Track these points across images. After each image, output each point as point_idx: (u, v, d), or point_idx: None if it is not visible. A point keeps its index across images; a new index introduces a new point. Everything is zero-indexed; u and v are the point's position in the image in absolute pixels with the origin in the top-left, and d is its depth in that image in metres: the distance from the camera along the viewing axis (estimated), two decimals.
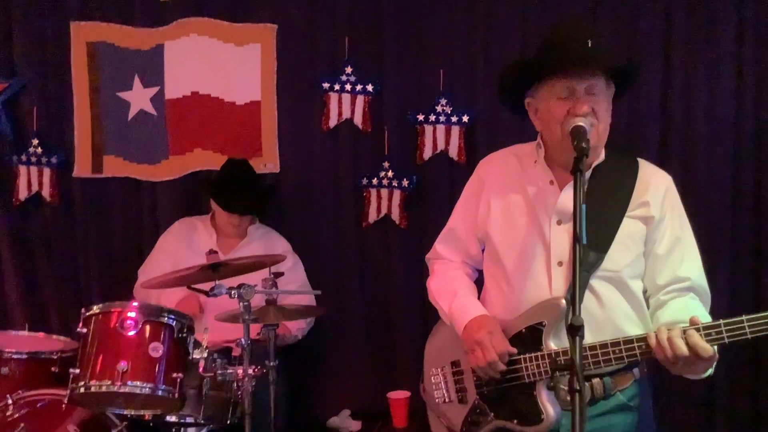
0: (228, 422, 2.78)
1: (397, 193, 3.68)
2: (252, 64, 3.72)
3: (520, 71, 2.04)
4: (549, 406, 1.89)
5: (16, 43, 3.69)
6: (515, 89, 2.06)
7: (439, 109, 3.65)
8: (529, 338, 1.94)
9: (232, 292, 2.55)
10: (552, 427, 1.88)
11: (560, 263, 1.95)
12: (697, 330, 1.76)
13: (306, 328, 3.39)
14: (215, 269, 2.57)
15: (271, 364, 2.87)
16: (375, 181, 3.69)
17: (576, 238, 1.59)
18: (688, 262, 1.99)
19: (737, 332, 1.73)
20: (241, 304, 2.58)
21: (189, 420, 2.76)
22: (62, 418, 2.61)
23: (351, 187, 3.71)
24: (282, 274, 2.91)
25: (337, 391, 3.65)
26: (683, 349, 1.74)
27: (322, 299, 3.52)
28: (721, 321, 1.76)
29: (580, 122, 1.85)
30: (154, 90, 3.73)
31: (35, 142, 3.71)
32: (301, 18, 3.69)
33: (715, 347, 1.77)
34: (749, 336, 1.73)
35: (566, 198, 1.99)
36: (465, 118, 3.63)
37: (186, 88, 3.73)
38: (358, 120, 3.68)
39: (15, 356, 2.83)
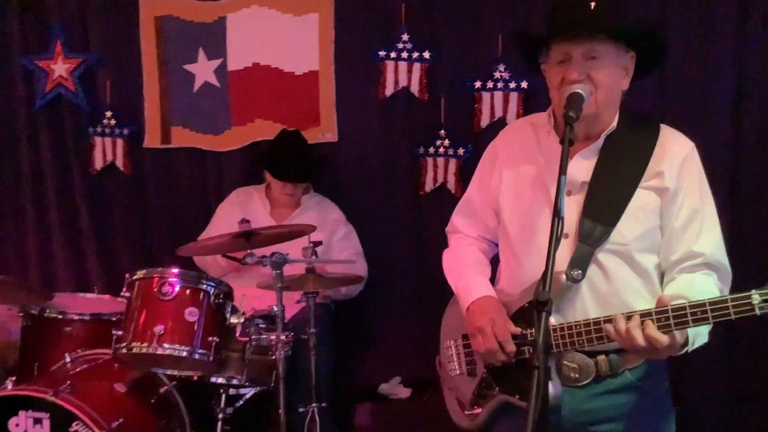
0: (272, 385, 2.86)
1: (453, 162, 3.64)
2: (310, 34, 3.75)
3: (524, 39, 1.96)
4: (549, 384, 1.83)
5: (90, 19, 3.86)
6: (529, 56, 1.98)
7: (497, 75, 3.57)
8: (530, 313, 1.87)
9: (264, 260, 2.61)
10: (551, 404, 1.82)
11: (566, 235, 1.87)
12: (650, 315, 1.66)
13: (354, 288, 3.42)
14: (248, 238, 2.63)
15: (311, 330, 2.93)
16: (431, 149, 3.66)
17: (555, 211, 1.52)
18: (705, 237, 1.86)
19: (681, 319, 1.64)
20: (273, 272, 2.64)
21: (234, 382, 2.87)
22: (113, 376, 2.75)
23: (407, 156, 3.70)
24: (320, 243, 2.94)
25: (389, 359, 3.67)
26: (640, 341, 1.66)
27: (373, 267, 3.57)
28: (669, 307, 1.65)
29: (578, 89, 1.75)
30: (218, 62, 3.83)
31: (109, 114, 3.90)
32: None
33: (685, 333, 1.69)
34: (692, 325, 1.63)
35: (575, 168, 1.89)
36: (524, 84, 3.53)
37: (247, 59, 3.80)
38: (414, 88, 3.65)
39: (78, 317, 3.01)
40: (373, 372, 3.69)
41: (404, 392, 3.51)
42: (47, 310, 2.99)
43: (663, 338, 1.64)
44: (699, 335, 1.75)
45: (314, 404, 2.95)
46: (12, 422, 2.48)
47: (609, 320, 1.75)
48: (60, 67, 3.85)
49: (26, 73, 3.90)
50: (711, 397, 3.38)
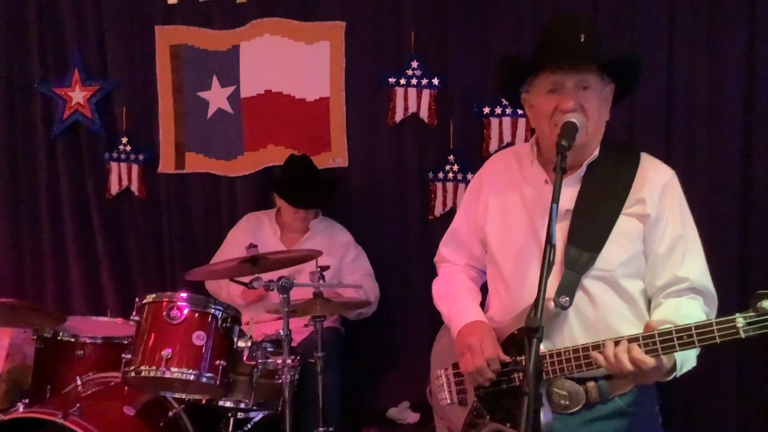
0: (279, 409, 2.88)
1: (462, 187, 3.66)
2: (321, 62, 3.81)
3: (514, 66, 1.99)
4: (540, 411, 1.84)
5: (107, 47, 3.96)
6: (510, 84, 2.02)
7: (505, 101, 3.59)
8: (521, 340, 1.88)
9: (271, 284, 2.64)
10: (543, 431, 1.82)
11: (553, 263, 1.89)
12: (637, 340, 1.67)
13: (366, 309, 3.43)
14: (254, 262, 2.67)
15: (318, 355, 2.95)
16: (441, 174, 3.70)
17: (548, 239, 1.54)
18: (689, 262, 1.88)
19: (668, 344, 1.65)
20: (280, 296, 2.67)
21: (242, 405, 2.89)
22: (122, 399, 2.77)
23: (417, 181, 3.74)
24: (328, 267, 2.97)
25: (397, 383, 3.68)
26: (627, 365, 1.67)
27: (384, 292, 3.59)
28: (656, 332, 1.66)
29: (572, 118, 1.78)
30: (231, 89, 3.90)
31: (124, 140, 3.97)
32: (368, 14, 3.74)
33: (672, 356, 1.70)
34: (678, 349, 1.64)
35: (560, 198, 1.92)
36: None
37: (260, 86, 3.87)
38: (424, 114, 3.69)
39: (90, 340, 3.05)
40: (382, 396, 3.70)
41: (412, 417, 3.51)
42: (60, 334, 3.03)
43: (649, 360, 1.66)
44: (687, 360, 1.76)
45: (322, 428, 2.96)
46: None
47: (597, 347, 1.76)
48: (77, 95, 3.94)
49: (45, 100, 3.99)
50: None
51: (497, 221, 2.06)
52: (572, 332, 1.88)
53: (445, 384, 2.13)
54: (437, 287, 2.26)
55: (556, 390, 1.86)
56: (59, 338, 3.03)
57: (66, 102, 3.95)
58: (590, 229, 1.87)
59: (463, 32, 3.63)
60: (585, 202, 1.90)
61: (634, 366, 1.66)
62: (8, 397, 3.46)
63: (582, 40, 1.82)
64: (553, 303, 1.85)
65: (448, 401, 2.12)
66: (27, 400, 2.75)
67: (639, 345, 1.67)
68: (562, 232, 1.90)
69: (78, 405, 2.55)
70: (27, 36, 3.97)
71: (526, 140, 3.53)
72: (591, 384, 1.86)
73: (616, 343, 1.70)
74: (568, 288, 1.85)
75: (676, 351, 1.65)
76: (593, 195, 1.89)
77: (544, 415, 1.82)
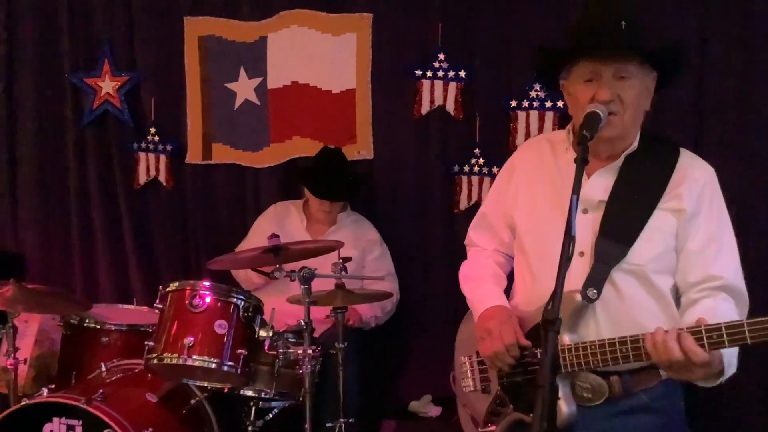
0: (301, 399, 2.89)
1: (487, 180, 3.66)
2: (348, 53, 3.81)
3: (551, 54, 1.95)
4: (563, 403, 1.81)
5: (136, 39, 3.99)
6: (550, 70, 1.98)
7: (532, 94, 3.58)
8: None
9: (293, 274, 2.65)
10: (565, 424, 1.80)
11: (582, 253, 1.85)
12: (698, 332, 1.62)
13: (382, 317, 3.44)
14: (276, 252, 2.67)
15: (340, 346, 2.95)
16: (466, 168, 3.69)
17: (567, 231, 1.51)
18: (723, 261, 1.83)
19: (737, 336, 1.58)
20: (301, 286, 2.67)
21: (264, 395, 2.90)
22: (145, 386, 2.81)
23: (442, 174, 3.73)
24: (350, 259, 2.97)
25: (420, 377, 3.68)
26: (676, 353, 1.61)
27: (407, 285, 3.58)
28: (722, 324, 1.60)
29: (596, 109, 1.75)
30: (258, 80, 3.91)
31: (153, 130, 4.00)
32: (395, 6, 3.73)
33: (723, 351, 1.64)
34: (749, 341, 1.57)
35: (593, 186, 1.89)
36: (560, 103, 3.53)
37: (286, 77, 3.88)
38: (450, 107, 3.68)
39: (115, 328, 3.09)
40: (404, 389, 3.70)
41: (434, 410, 3.51)
42: (86, 321, 3.08)
43: (701, 352, 1.61)
44: (731, 365, 1.71)
45: (342, 420, 2.97)
46: (46, 428, 2.55)
47: (624, 342, 1.73)
48: (107, 85, 3.98)
49: (75, 90, 4.04)
50: None
51: (527, 208, 2.03)
52: (598, 326, 1.84)
53: (468, 371, 2.12)
54: (464, 270, 2.24)
55: (579, 383, 1.84)
56: (85, 325, 3.07)
57: (96, 92, 3.98)
58: (624, 221, 1.83)
59: (490, 24, 3.61)
60: (620, 193, 1.86)
61: (684, 356, 1.61)
62: (36, 383, 3.50)
63: (623, 27, 1.77)
64: (580, 295, 1.81)
65: (471, 388, 2.10)
66: (53, 386, 2.81)
67: (699, 337, 1.62)
68: (594, 223, 1.87)
69: (101, 391, 2.58)
70: (58, 27, 4.01)
71: None
72: (614, 378, 1.83)
73: (665, 331, 1.66)
74: (597, 280, 1.82)
75: (725, 347, 1.60)
76: (629, 187, 1.85)
77: (567, 407, 1.80)
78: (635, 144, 1.90)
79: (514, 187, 2.09)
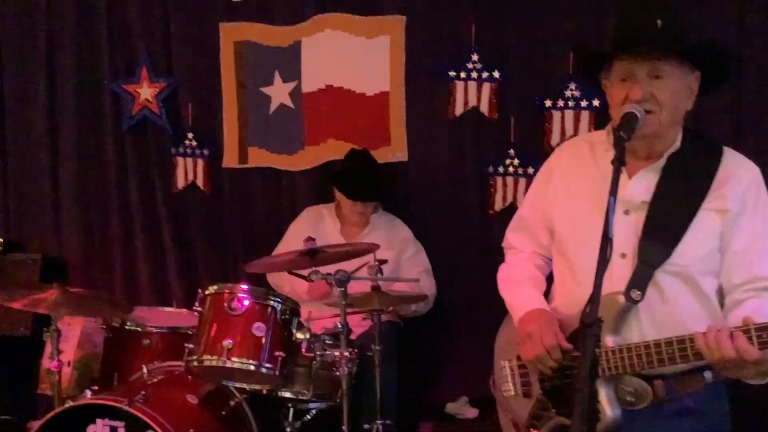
0: (339, 400, 2.91)
1: (522, 181, 3.64)
2: (381, 56, 3.82)
3: (588, 54, 1.95)
4: (607, 407, 1.80)
5: (173, 46, 4.05)
6: (589, 70, 1.97)
7: (568, 94, 3.56)
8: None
9: (329, 277, 2.67)
10: (610, 427, 1.79)
11: (623, 255, 1.84)
12: (747, 331, 1.59)
13: (422, 307, 3.43)
14: (312, 255, 2.69)
15: (376, 348, 2.96)
16: (501, 169, 3.67)
17: (604, 233, 1.50)
18: None
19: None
20: (337, 289, 2.69)
21: (301, 396, 2.93)
22: (186, 388, 2.85)
23: (476, 175, 3.72)
24: (386, 261, 2.98)
25: (456, 378, 3.68)
26: (729, 352, 1.59)
27: (441, 287, 3.58)
28: (752, 326, 1.59)
29: (632, 109, 1.73)
30: (293, 84, 3.94)
31: (190, 135, 4.06)
32: (428, 8, 3.73)
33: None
34: None
35: (635, 187, 1.88)
36: (596, 102, 3.50)
37: (321, 81, 3.90)
38: (484, 107, 3.67)
39: (156, 330, 3.13)
40: (440, 391, 3.70)
41: (471, 412, 3.50)
42: (127, 323, 3.13)
43: (753, 350, 1.60)
44: None
45: (379, 421, 2.98)
46: (90, 429, 2.60)
47: (670, 343, 1.71)
48: (146, 91, 4.05)
49: (114, 96, 4.11)
50: None
51: (566, 210, 2.02)
52: (641, 328, 1.83)
53: (509, 375, 2.11)
54: (502, 273, 2.23)
55: (622, 387, 1.82)
56: (126, 327, 3.12)
57: (134, 98, 4.06)
58: (667, 222, 1.81)
59: (524, 23, 3.60)
60: (663, 194, 1.84)
61: (737, 354, 1.60)
62: (79, 384, 3.60)
63: (659, 25, 1.75)
64: (623, 297, 1.80)
65: (512, 392, 2.10)
66: (96, 387, 2.87)
67: (749, 336, 1.61)
68: (637, 224, 1.85)
69: (143, 393, 2.62)
70: (97, 35, 4.09)
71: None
72: (659, 382, 1.81)
73: (718, 329, 1.65)
74: (640, 282, 1.80)
75: None
76: (672, 187, 1.83)
77: (612, 411, 1.79)
78: (678, 143, 1.87)
79: (552, 188, 2.08)
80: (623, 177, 1.90)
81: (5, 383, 4.03)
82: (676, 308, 1.82)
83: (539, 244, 2.17)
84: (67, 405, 2.64)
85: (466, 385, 3.62)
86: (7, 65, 4.24)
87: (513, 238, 2.25)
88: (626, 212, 1.88)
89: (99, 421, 2.59)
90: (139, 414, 2.53)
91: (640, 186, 1.88)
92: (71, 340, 3.64)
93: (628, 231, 1.85)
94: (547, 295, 2.14)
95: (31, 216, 4.27)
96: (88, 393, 2.73)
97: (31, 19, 4.17)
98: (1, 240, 4.08)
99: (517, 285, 2.12)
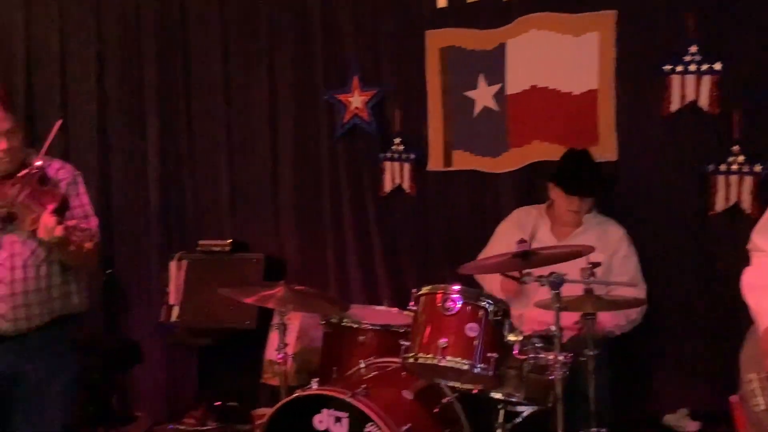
0: (549, 405, 2.88)
1: (748, 180, 3.40)
2: (589, 53, 3.73)
3: None
4: None
5: (381, 55, 4.22)
6: None
7: None
8: None
9: (542, 280, 2.65)
10: None
11: None
12: None
13: (626, 326, 3.31)
14: (525, 258, 2.69)
15: (590, 353, 2.89)
16: (723, 167, 3.45)
17: None
18: None
19: None
20: (551, 292, 2.66)
21: (512, 399, 2.93)
22: (401, 384, 2.95)
23: (693, 174, 3.53)
24: (599, 264, 2.90)
25: (675, 389, 3.50)
26: None
27: (657, 292, 3.42)
28: None
29: None
30: (497, 87, 3.95)
31: (397, 140, 4.20)
32: (641, 1, 3.58)
33: None
34: None
35: None
36: None
37: (525, 82, 3.88)
38: (703, 102, 3.47)
39: (371, 327, 3.27)
40: (658, 401, 3.53)
41: (692, 425, 3.31)
42: (345, 320, 3.30)
43: None
44: None
45: (594, 428, 2.90)
46: (316, 419, 2.77)
47: None
48: (356, 100, 4.25)
49: (328, 106, 4.36)
50: None
51: None
52: None
53: (758, 388, 1.98)
54: (747, 277, 2.10)
55: None
56: (344, 324, 3.29)
57: (346, 107, 4.27)
58: None
59: (748, 13, 3.36)
60: None
61: None
62: (298, 375, 3.85)
63: None
64: None
65: (762, 407, 1.97)
66: (318, 379, 3.05)
67: None
68: None
69: (363, 386, 2.75)
70: (313, 49, 4.36)
71: None
72: None
73: None
74: None
75: None
76: None
77: None
78: None
79: None
80: None
81: (232, 372, 4.42)
82: None
83: None
84: (296, 394, 2.83)
85: (685, 396, 3.44)
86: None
87: (759, 239, 2.11)
88: None
89: (325, 411, 2.74)
90: (361, 406, 2.65)
91: None
92: (291, 333, 3.89)
93: None
94: None
95: (254, 218, 4.61)
96: (314, 384, 2.90)
97: (253, 35, 4.51)
98: (230, 240, 4.45)
99: (762, 291, 1.98)
